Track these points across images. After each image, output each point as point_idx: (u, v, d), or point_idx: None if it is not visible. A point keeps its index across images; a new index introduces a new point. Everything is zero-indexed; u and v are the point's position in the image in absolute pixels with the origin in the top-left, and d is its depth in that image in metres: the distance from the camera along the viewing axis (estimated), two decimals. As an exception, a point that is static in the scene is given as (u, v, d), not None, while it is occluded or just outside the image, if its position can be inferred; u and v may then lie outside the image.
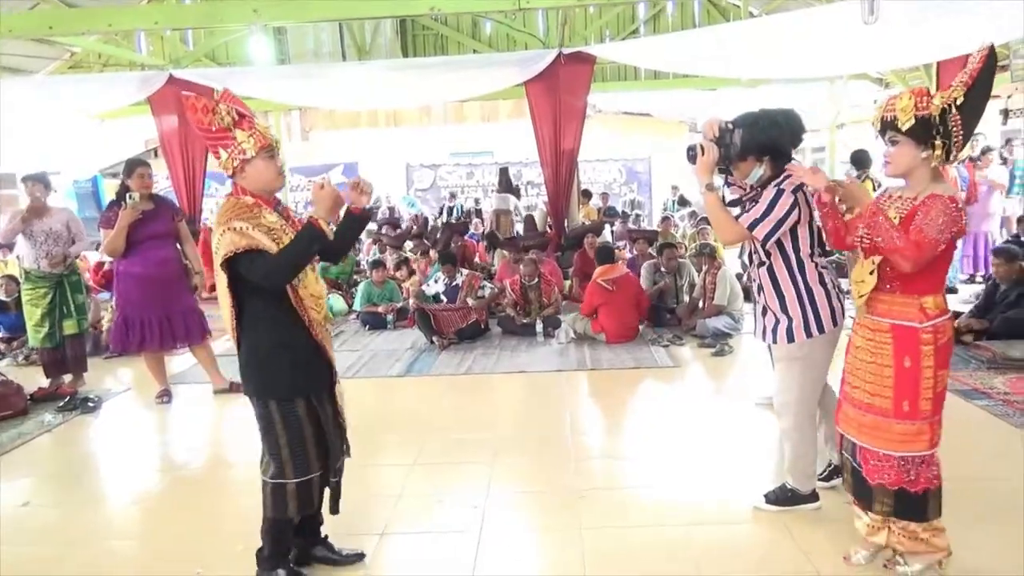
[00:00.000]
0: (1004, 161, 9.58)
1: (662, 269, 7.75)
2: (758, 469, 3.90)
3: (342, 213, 2.76)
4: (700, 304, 7.18)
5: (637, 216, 13.67)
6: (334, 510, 2.95)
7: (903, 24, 7.11)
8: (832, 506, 3.37)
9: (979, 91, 2.48)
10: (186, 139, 10.00)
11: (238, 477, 4.29)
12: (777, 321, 3.15)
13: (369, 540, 3.25)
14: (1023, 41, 8.68)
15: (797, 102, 14.56)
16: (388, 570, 3.07)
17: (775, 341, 3.17)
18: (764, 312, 3.22)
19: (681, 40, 9.54)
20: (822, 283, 3.10)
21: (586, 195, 12.43)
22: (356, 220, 2.84)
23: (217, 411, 5.42)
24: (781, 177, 3.04)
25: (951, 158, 2.56)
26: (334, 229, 2.73)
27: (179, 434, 5.10)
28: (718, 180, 3.19)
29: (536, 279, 7.57)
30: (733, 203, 3.21)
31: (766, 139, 3.06)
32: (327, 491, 2.91)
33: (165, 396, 5.51)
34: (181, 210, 6.03)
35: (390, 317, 7.97)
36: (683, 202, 14.74)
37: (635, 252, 8.99)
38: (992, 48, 2.48)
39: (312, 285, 2.71)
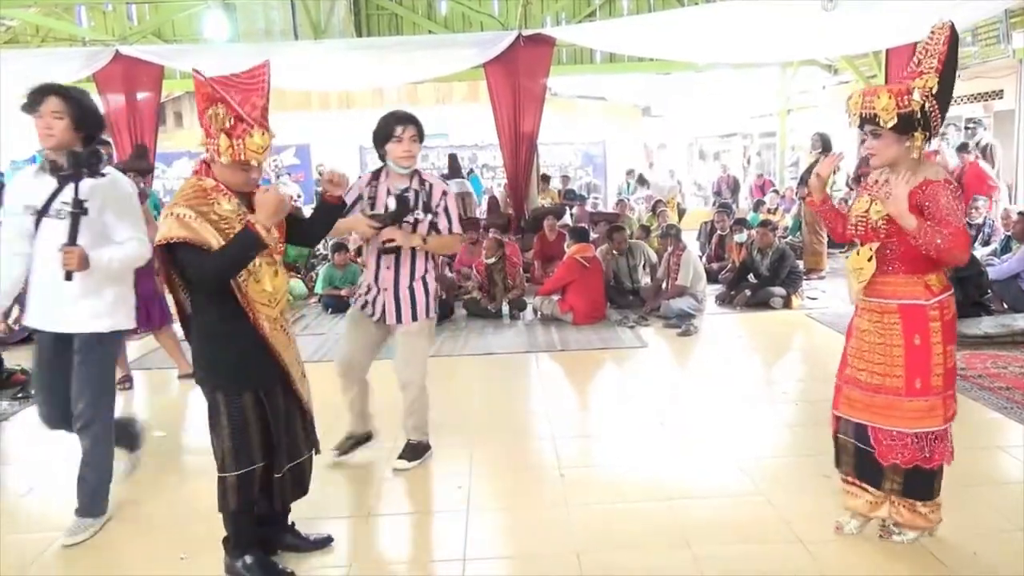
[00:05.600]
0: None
1: (614, 252, 7.82)
2: (731, 446, 3.99)
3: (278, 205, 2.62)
4: (664, 285, 7.28)
5: (595, 200, 13.76)
6: (278, 506, 2.86)
7: (858, 11, 7.29)
8: (809, 478, 3.48)
9: (949, 72, 2.55)
10: (134, 118, 9.68)
11: (210, 463, 4.21)
12: None
13: (355, 523, 3.24)
14: (968, 31, 9.00)
15: (748, 87, 14.95)
16: (379, 552, 3.06)
17: None
18: None
19: (640, 23, 9.60)
20: None
21: (545, 180, 12.44)
22: (331, 209, 2.93)
23: (181, 396, 5.30)
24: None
25: (932, 139, 2.64)
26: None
27: (144, 420, 4.94)
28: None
29: (499, 258, 7.55)
30: None
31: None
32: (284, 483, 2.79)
33: (126, 382, 5.35)
34: (144, 192, 5.81)
35: (352, 300, 7.87)
36: (642, 181, 14.74)
37: (597, 235, 9.04)
38: (953, 27, 2.55)
39: (267, 281, 2.60)
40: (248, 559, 2.78)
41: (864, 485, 2.85)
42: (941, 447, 2.71)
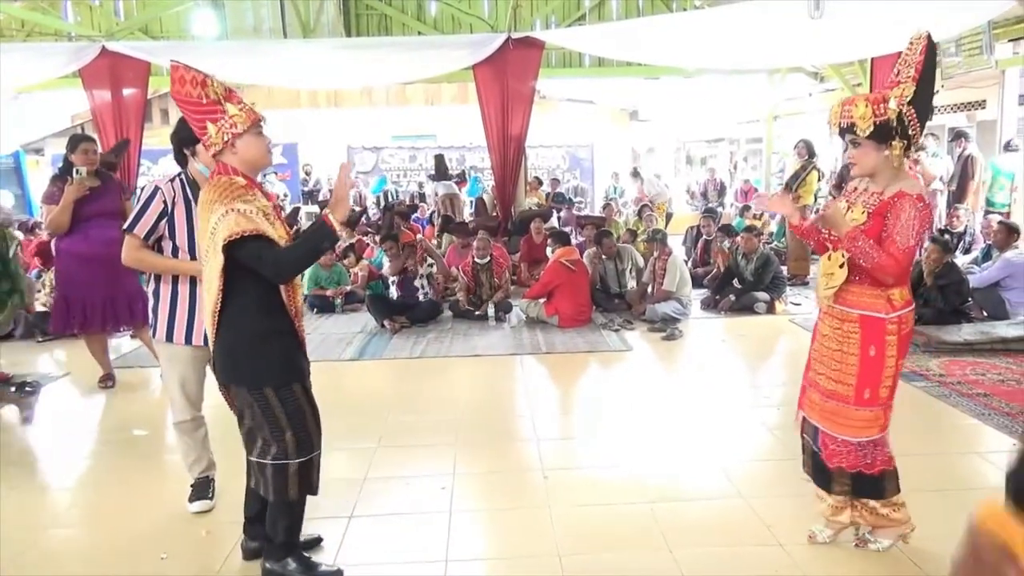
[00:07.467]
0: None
1: (602, 256, 7.84)
2: (713, 449, 4.01)
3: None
4: (649, 289, 7.32)
5: (579, 203, 13.74)
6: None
7: (845, 20, 7.35)
8: (790, 481, 3.50)
9: (926, 81, 2.59)
10: (120, 115, 9.60)
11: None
12: None
13: (338, 523, 3.23)
14: (952, 41, 9.09)
15: (736, 93, 15.03)
16: (361, 552, 3.05)
17: None
18: None
19: (629, 28, 9.63)
20: None
21: (538, 182, 12.45)
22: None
23: (164, 395, 5.25)
24: None
25: (912, 148, 2.67)
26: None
27: (126, 419, 4.92)
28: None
29: (488, 259, 7.56)
30: None
31: None
32: None
33: (108, 380, 5.32)
34: (129, 189, 5.74)
35: (338, 300, 7.88)
36: (636, 174, 14.48)
37: (583, 238, 9.07)
38: (930, 37, 2.59)
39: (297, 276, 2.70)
40: (291, 564, 2.74)
41: (820, 490, 2.91)
42: (881, 454, 2.76)
